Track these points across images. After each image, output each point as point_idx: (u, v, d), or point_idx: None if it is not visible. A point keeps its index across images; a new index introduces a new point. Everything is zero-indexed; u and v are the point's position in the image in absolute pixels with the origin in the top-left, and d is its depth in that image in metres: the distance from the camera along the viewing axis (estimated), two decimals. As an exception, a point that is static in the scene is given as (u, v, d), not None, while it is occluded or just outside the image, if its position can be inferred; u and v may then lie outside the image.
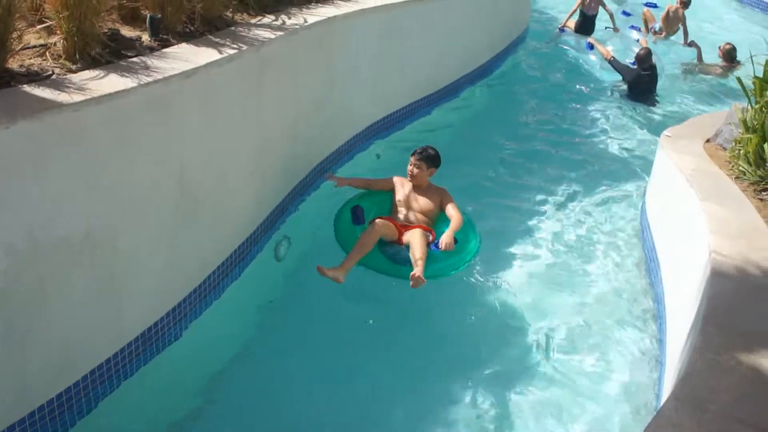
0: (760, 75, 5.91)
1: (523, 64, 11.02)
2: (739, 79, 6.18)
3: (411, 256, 5.49)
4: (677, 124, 8.57)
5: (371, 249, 5.60)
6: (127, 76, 4.12)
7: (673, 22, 12.16)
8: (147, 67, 4.32)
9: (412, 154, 6.16)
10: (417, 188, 6.17)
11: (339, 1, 6.79)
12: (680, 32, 12.16)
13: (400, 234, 5.83)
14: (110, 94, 3.88)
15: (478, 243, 6.00)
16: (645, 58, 10.05)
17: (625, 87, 10.32)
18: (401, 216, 6.08)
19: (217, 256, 5.30)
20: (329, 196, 6.54)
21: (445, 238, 5.66)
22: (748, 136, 5.61)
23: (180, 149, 4.59)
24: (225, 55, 4.82)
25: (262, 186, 5.82)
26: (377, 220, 5.72)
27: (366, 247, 5.57)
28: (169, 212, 4.63)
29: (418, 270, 5.31)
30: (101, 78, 4.05)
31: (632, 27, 12.36)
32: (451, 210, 6.02)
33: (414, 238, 5.60)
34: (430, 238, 5.82)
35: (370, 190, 6.34)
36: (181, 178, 4.65)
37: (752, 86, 5.93)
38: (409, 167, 6.14)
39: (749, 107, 5.93)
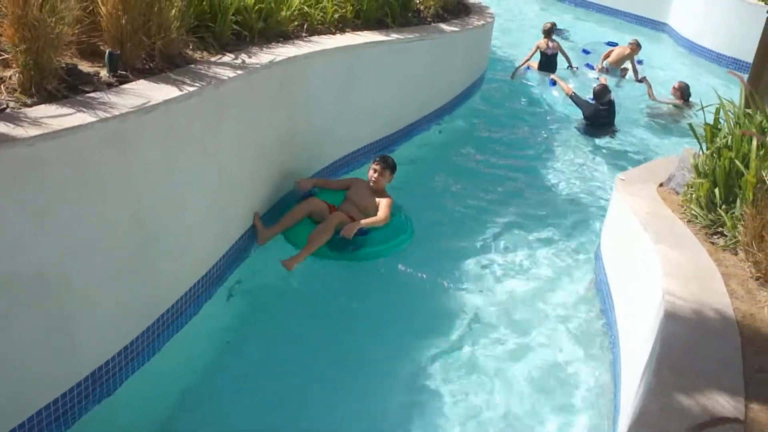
0: (711, 122, 6.07)
1: (482, 103, 11.18)
2: (690, 126, 6.33)
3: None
4: (634, 156, 8.75)
5: (297, 223, 6.43)
6: (83, 112, 4.08)
7: (621, 60, 12.77)
8: (104, 103, 4.29)
9: (375, 162, 6.92)
10: (372, 191, 6.87)
11: (300, 42, 6.83)
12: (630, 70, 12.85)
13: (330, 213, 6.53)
14: (66, 129, 3.84)
15: (401, 240, 6.72)
16: (601, 94, 10.62)
17: (584, 122, 10.76)
18: (344, 206, 6.73)
19: (173, 294, 5.23)
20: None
21: (349, 227, 6.33)
22: (700, 181, 5.74)
23: (137, 186, 4.54)
24: (184, 92, 4.80)
25: (221, 224, 5.77)
26: (311, 199, 6.53)
27: (294, 215, 6.42)
28: (124, 249, 4.56)
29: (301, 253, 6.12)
30: (57, 113, 4.00)
31: (587, 65, 12.99)
32: (380, 208, 6.68)
33: (329, 219, 6.34)
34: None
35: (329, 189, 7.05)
36: (138, 214, 4.60)
37: (703, 132, 6.08)
38: (372, 173, 6.88)
39: (701, 153, 6.07)
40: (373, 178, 6.87)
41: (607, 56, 12.95)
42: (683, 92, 11.69)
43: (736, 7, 14.14)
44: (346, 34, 7.62)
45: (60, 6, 4.30)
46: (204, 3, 5.93)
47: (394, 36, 8.14)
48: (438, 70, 9.48)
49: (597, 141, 10.42)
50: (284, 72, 6.26)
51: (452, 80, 10.22)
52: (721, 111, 6.09)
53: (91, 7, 4.99)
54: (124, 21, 4.94)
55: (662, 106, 11.71)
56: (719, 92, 6.47)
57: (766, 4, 7.33)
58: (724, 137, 5.82)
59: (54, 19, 4.24)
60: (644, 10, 16.64)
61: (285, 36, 6.78)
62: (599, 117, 10.62)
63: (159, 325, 5.09)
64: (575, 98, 10.83)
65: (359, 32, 7.83)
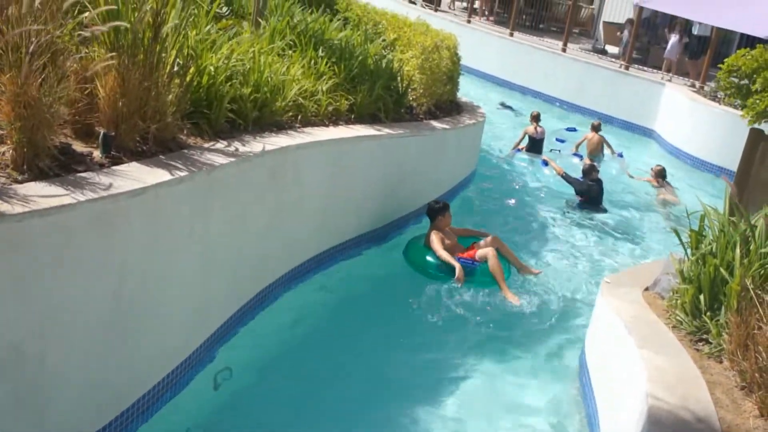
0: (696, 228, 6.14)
1: (473, 197, 11.35)
2: (675, 231, 6.38)
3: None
4: (622, 238, 9.50)
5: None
6: (73, 191, 4.09)
7: (596, 146, 14.00)
8: (95, 183, 4.30)
9: (447, 209, 8.53)
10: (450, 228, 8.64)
11: (293, 132, 6.92)
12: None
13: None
14: (54, 208, 3.84)
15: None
16: (589, 171, 11.73)
17: (576, 198, 11.68)
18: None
19: (151, 377, 5.13)
20: (276, 324, 6.47)
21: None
22: (685, 286, 5.75)
23: (120, 266, 4.52)
24: (175, 176, 4.83)
25: (203, 308, 5.72)
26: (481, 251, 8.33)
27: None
28: (103, 328, 4.50)
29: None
30: (47, 191, 4.01)
31: (558, 139, 14.51)
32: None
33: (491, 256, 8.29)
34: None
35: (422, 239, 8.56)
36: (118, 294, 4.55)
37: (689, 239, 6.14)
38: (448, 219, 8.52)
39: (686, 258, 6.11)
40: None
41: (581, 143, 14.27)
42: (659, 174, 12.90)
43: (720, 116, 14.50)
44: (339, 127, 7.74)
45: (58, 86, 4.36)
46: (201, 90, 6.02)
47: (386, 131, 8.27)
48: (428, 166, 9.59)
49: (587, 222, 11.13)
50: (275, 161, 6.32)
51: (442, 176, 10.33)
52: (706, 218, 6.16)
53: (89, 89, 5.06)
54: (121, 104, 5.00)
55: (645, 185, 12.87)
56: (703, 199, 6.55)
57: (746, 115, 7.51)
58: (709, 244, 5.87)
59: (51, 99, 4.30)
60: (631, 115, 17.02)
61: (279, 126, 6.88)
62: (590, 193, 11.58)
63: (134, 410, 4.97)
64: (566, 177, 11.75)
65: (352, 126, 7.95)
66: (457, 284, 7.90)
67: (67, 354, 4.24)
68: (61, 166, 4.41)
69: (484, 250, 8.31)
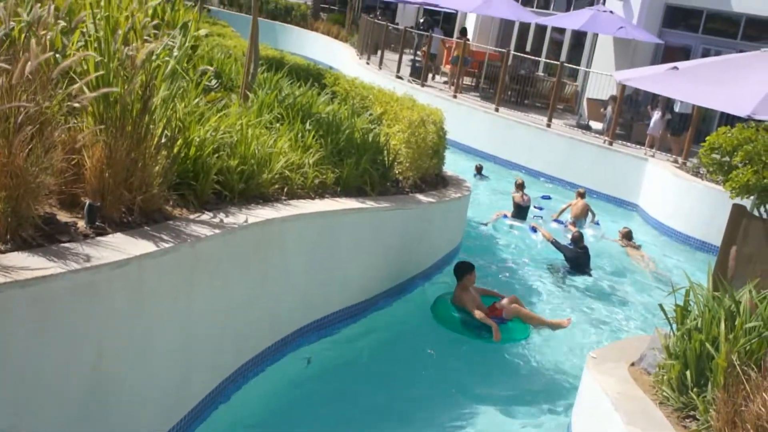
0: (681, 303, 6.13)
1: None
2: (661, 306, 6.38)
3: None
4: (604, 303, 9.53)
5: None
6: (56, 261, 4.06)
7: (581, 212, 14.52)
8: (78, 254, 4.28)
9: (474, 268, 9.19)
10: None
11: (279, 204, 6.93)
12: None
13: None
14: (36, 279, 3.80)
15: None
16: (579, 239, 12.26)
17: (565, 264, 12.13)
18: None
19: (127, 456, 5.01)
20: (257, 399, 6.36)
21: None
22: (671, 362, 5.72)
23: (100, 337, 4.46)
24: (160, 248, 4.81)
25: (185, 379, 5.62)
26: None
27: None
28: (78, 401, 4.41)
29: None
30: (29, 262, 3.97)
31: (557, 221, 14.53)
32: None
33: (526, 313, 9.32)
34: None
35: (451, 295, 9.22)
36: (97, 366, 4.48)
37: (674, 314, 6.13)
38: (473, 278, 9.14)
39: (672, 334, 6.09)
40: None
41: (564, 209, 14.79)
42: (626, 235, 13.72)
43: (702, 192, 14.65)
44: (326, 199, 7.76)
45: (45, 157, 4.37)
46: (188, 161, 6.05)
47: (371, 204, 8.30)
48: (414, 240, 9.61)
49: (576, 288, 11.45)
50: (260, 233, 6.32)
51: (427, 250, 10.34)
52: (691, 293, 6.16)
53: (76, 159, 5.08)
54: (107, 174, 5.02)
55: (623, 251, 13.49)
56: (688, 272, 6.57)
57: (728, 188, 7.60)
58: (695, 319, 5.86)
59: (37, 169, 4.30)
60: (616, 190, 17.17)
61: (265, 198, 6.89)
62: (579, 259, 12.07)
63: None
64: (556, 244, 12.23)
65: (338, 198, 7.98)
66: (496, 341, 8.67)
67: (45, 426, 4.14)
68: (45, 236, 4.39)
69: (512, 307, 9.06)
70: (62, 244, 4.38)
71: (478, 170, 17.28)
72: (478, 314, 8.77)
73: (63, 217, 4.80)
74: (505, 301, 9.23)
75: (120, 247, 4.61)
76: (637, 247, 13.69)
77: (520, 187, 14.38)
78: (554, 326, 9.31)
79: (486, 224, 13.82)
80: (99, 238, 4.69)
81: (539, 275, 11.79)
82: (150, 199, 5.33)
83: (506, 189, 16.20)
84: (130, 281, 4.59)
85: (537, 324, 9.25)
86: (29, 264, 3.94)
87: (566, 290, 11.34)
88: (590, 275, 12.02)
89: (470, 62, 23.13)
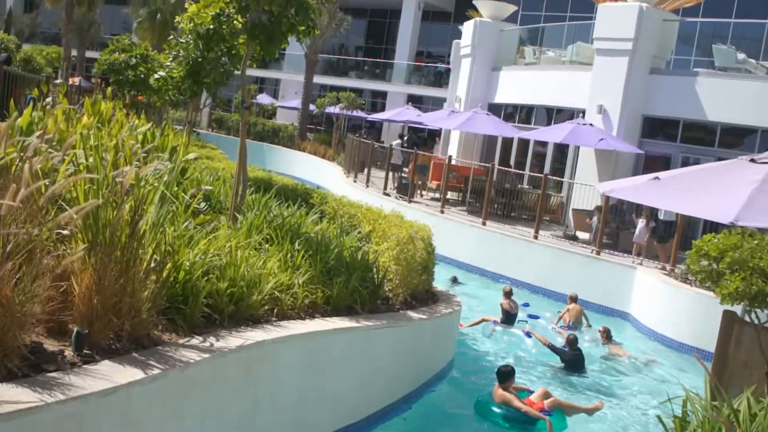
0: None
1: (451, 385, 11.26)
2: (659, 417, 6.28)
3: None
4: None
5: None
6: (41, 393, 3.98)
7: (578, 315, 15.16)
8: (64, 384, 4.20)
9: (515, 373, 9.97)
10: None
11: (269, 326, 6.88)
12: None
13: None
14: (20, 411, 3.72)
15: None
16: (574, 342, 12.71)
17: (562, 366, 12.55)
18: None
19: None
20: None
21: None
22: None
23: (87, 472, 4.32)
24: (148, 374, 4.74)
25: None
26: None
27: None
28: None
29: None
30: (14, 394, 3.90)
31: (530, 316, 15.39)
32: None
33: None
34: None
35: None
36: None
37: (672, 424, 6.03)
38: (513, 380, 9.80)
39: (672, 447, 5.97)
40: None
41: (563, 316, 15.22)
42: (605, 333, 14.16)
43: (692, 298, 14.65)
44: (316, 319, 7.71)
45: (32, 285, 4.35)
46: (177, 285, 6.03)
47: (362, 323, 8.24)
48: (406, 357, 9.50)
49: (573, 389, 11.77)
50: (251, 356, 6.24)
51: (420, 366, 10.22)
52: (689, 403, 6.08)
53: (64, 286, 5.06)
54: (96, 301, 4.99)
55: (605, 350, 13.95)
56: (682, 379, 6.50)
57: (718, 295, 7.61)
58: (694, 430, 5.75)
59: (24, 298, 4.28)
60: (606, 299, 17.14)
61: (255, 320, 6.84)
62: (575, 361, 12.55)
63: None
64: (552, 347, 12.69)
65: (329, 318, 7.93)
66: None
67: None
68: (31, 366, 4.32)
69: (552, 400, 9.75)
70: (49, 374, 4.31)
71: (454, 280, 17.65)
72: (531, 412, 9.45)
73: (50, 345, 4.73)
74: (537, 394, 9.96)
75: (108, 375, 4.53)
76: (619, 345, 14.10)
77: (508, 294, 14.77)
78: (591, 411, 10.01)
79: (465, 326, 13.97)
80: (86, 366, 4.62)
81: (538, 377, 11.98)
82: (139, 324, 5.29)
83: (480, 294, 17.12)
84: (118, 410, 4.49)
85: (576, 412, 9.91)
86: (14, 396, 3.87)
87: (569, 390, 11.60)
88: (586, 376, 12.38)
89: (427, 169, 24.02)
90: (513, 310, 14.63)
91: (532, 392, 10.16)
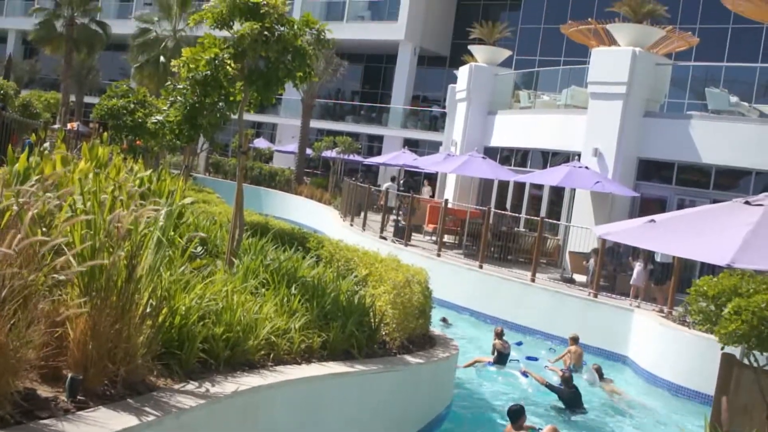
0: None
1: (457, 415, 11.41)
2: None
3: None
4: None
5: None
6: (35, 440, 3.94)
7: (580, 357, 15.33)
8: (58, 431, 4.15)
9: (524, 410, 10.24)
10: None
11: (265, 371, 6.83)
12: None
13: None
14: (14, 459, 3.67)
15: None
16: (569, 380, 12.99)
17: (560, 403, 12.83)
18: None
19: None
20: None
21: None
22: None
23: None
24: (143, 421, 4.69)
25: None
26: None
27: None
28: None
29: None
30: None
31: (529, 358, 15.58)
32: None
33: None
34: None
35: None
36: None
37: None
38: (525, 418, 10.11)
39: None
40: None
41: (563, 357, 15.40)
42: (599, 372, 14.63)
43: (691, 341, 14.58)
44: (312, 364, 7.65)
45: (27, 331, 4.33)
46: (173, 330, 6.00)
47: (359, 367, 8.18)
48: (404, 401, 9.43)
49: (573, 426, 12.15)
50: (247, 402, 6.18)
51: (417, 411, 10.13)
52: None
53: (59, 332, 5.03)
54: (90, 346, 4.96)
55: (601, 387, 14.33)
56: (682, 423, 6.45)
57: (716, 336, 7.58)
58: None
59: (19, 344, 4.25)
60: (604, 342, 17.05)
61: (251, 365, 6.79)
62: (572, 398, 12.83)
63: None
64: (550, 386, 13.01)
65: (325, 363, 7.87)
66: None
67: None
68: (24, 413, 4.27)
69: None
70: (42, 421, 4.26)
71: (444, 321, 17.70)
72: None
73: (44, 391, 4.69)
74: (546, 430, 10.33)
75: (102, 421, 4.49)
76: (610, 382, 14.55)
77: (499, 335, 15.07)
78: None
79: (458, 367, 13.86)
80: (80, 412, 4.57)
81: (538, 415, 12.09)
82: (134, 370, 5.25)
83: (471, 335, 17.39)
84: (112, 457, 4.43)
85: None
86: (7, 444, 3.82)
87: (570, 428, 11.97)
88: (585, 412, 12.75)
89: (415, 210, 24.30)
90: (505, 350, 14.90)
91: (540, 430, 10.37)
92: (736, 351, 7.59)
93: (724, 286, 7.67)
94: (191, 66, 8.83)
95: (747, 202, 10.00)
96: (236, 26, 8.63)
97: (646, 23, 21.99)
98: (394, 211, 26.20)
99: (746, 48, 31.83)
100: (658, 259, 17.65)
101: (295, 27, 8.66)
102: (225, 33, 8.87)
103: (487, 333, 16.72)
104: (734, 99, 20.93)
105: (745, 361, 7.46)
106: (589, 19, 27.59)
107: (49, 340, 4.83)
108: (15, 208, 4.85)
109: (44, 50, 45.39)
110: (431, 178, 34.79)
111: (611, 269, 19.46)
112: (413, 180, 37.65)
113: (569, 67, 28.98)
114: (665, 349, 15.38)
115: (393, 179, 32.63)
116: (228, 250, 8.69)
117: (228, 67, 8.72)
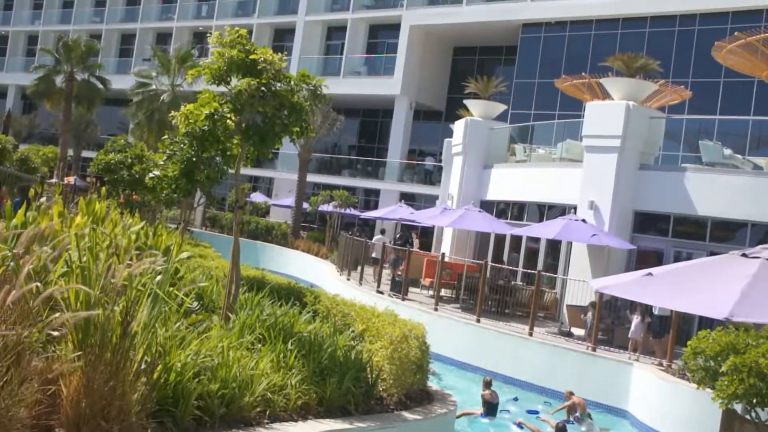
0: None
1: None
2: None
3: None
4: None
5: None
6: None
7: (584, 407, 14.96)
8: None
9: None
10: None
11: (260, 428, 6.73)
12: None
13: None
14: None
15: None
16: (563, 429, 13.09)
17: None
18: None
19: None
20: None
21: None
22: None
23: None
24: (136, 480, 4.60)
25: None
26: None
27: None
28: None
29: None
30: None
31: (530, 411, 15.58)
32: None
33: None
34: None
35: None
36: None
37: None
38: None
39: None
40: None
41: (567, 407, 15.28)
42: (589, 417, 14.62)
43: (690, 394, 14.44)
44: (309, 421, 7.55)
45: (19, 388, 4.27)
46: (167, 387, 5.93)
47: (356, 424, 8.07)
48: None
49: None
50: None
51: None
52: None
53: (52, 389, 4.96)
54: (84, 404, 4.89)
55: None
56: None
57: (716, 398, 7.51)
58: None
59: (10, 402, 4.19)
60: (603, 396, 16.88)
61: (246, 422, 6.70)
62: None
63: None
64: None
65: (321, 420, 7.76)
66: None
67: None
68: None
69: None
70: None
71: (432, 373, 17.55)
72: None
73: (36, 451, 4.62)
74: None
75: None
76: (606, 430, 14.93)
77: (488, 385, 15.22)
78: None
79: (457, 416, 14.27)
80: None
81: None
82: (128, 428, 5.17)
83: (458, 386, 16.81)
84: None
85: None
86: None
87: None
88: None
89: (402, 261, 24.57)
90: (494, 400, 14.99)
91: None
92: (737, 405, 7.52)
93: (723, 344, 7.63)
94: (190, 120, 8.90)
95: (744, 255, 9.99)
96: (234, 81, 8.72)
97: (639, 77, 22.24)
98: (386, 265, 26.16)
99: (738, 101, 32.17)
100: (656, 312, 17.58)
101: (292, 83, 8.75)
102: (222, 88, 8.95)
103: (475, 384, 16.71)
104: (728, 151, 21.09)
105: (746, 416, 7.39)
106: (583, 74, 27.90)
107: (41, 398, 4.77)
108: (11, 264, 4.83)
109: (44, 104, 45.75)
110: (419, 231, 34.85)
111: (609, 322, 19.38)
112: (409, 233, 37.69)
113: (564, 121, 29.24)
114: (665, 403, 15.23)
115: (383, 232, 32.68)
116: (224, 306, 8.64)
117: (228, 120, 8.78)
